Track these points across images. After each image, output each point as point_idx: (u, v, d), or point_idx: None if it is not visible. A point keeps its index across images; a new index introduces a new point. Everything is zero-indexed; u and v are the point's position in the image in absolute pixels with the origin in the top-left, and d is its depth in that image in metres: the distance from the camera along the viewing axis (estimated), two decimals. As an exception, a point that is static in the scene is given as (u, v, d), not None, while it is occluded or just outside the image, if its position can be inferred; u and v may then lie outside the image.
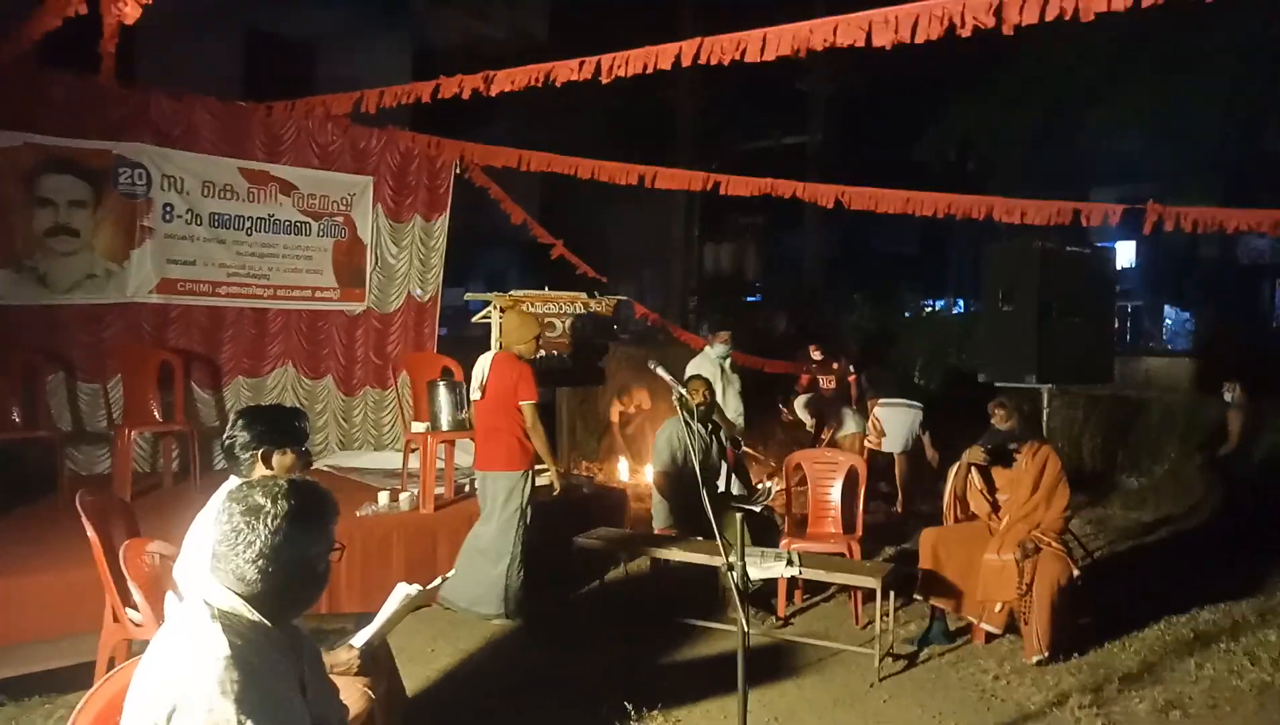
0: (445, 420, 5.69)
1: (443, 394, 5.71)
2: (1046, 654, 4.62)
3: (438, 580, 3.10)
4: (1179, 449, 8.78)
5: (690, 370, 6.55)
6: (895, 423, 7.67)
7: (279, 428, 2.94)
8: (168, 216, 6.73)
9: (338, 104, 6.56)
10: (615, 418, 8.23)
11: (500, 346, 5.45)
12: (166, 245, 6.73)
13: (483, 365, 5.18)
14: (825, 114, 16.30)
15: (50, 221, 6.27)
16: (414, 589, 2.95)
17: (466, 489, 6.09)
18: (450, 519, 5.63)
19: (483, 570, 5.02)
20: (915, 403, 7.75)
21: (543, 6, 14.87)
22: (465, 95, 5.53)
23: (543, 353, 5.62)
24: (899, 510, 7.71)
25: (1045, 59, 12.35)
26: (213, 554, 1.82)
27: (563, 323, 6.66)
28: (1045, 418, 6.56)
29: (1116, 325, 21.55)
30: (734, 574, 3.25)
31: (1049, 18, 3.19)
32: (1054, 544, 4.83)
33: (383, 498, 5.58)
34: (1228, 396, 6.95)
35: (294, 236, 7.32)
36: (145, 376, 6.33)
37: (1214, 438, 7.28)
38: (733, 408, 7.05)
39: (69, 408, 6.29)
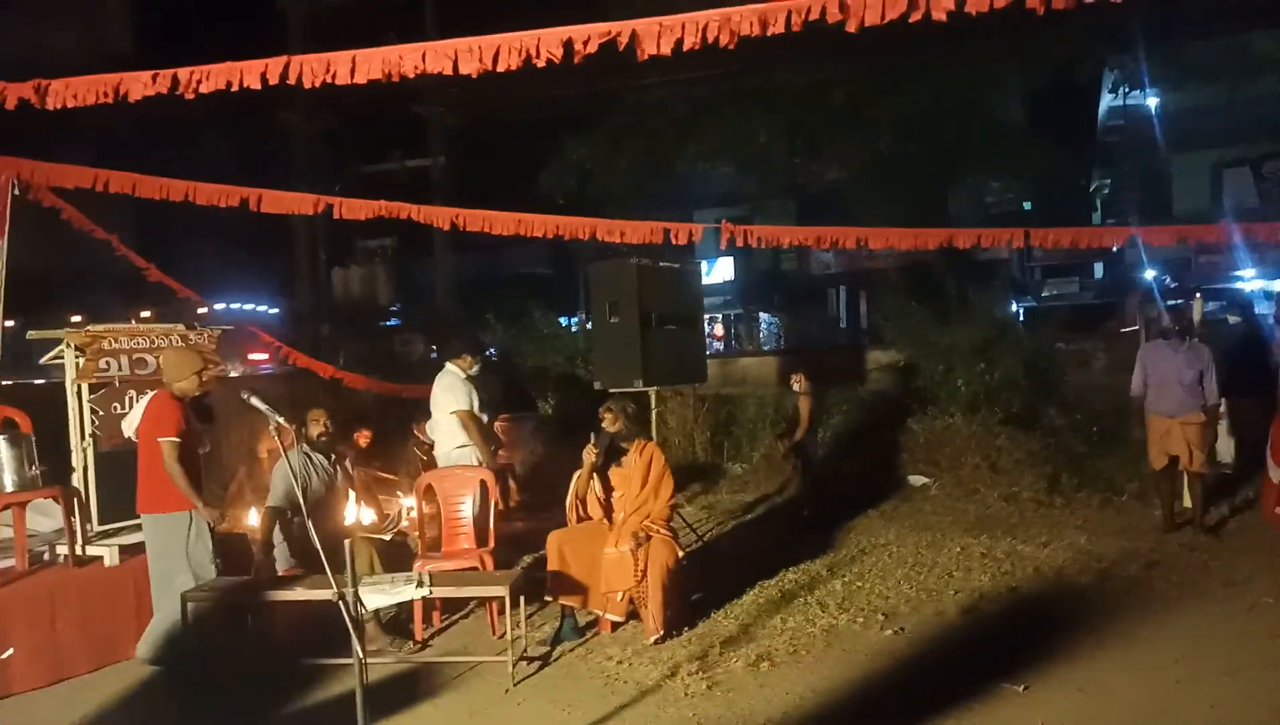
0: (9, 480, 4.92)
1: (3, 450, 4.92)
2: (662, 632, 5.08)
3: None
4: (771, 435, 10.08)
5: (446, 390, 6.29)
6: (517, 434, 7.98)
7: None
8: None
9: None
10: (264, 455, 7.56)
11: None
12: None
13: (139, 406, 5.04)
14: (448, 140, 16.51)
15: None
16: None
17: (46, 557, 5.31)
18: (23, 595, 4.86)
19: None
20: (530, 413, 8.11)
21: (124, 18, 13.41)
22: (10, 105, 4.81)
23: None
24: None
25: (645, 97, 13.75)
26: None
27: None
28: (656, 417, 7.20)
29: (722, 331, 24.35)
30: (345, 604, 3.20)
31: (605, 38, 3.56)
32: (663, 531, 5.33)
33: (-74, 582, 4.68)
34: (795, 386, 8.13)
35: None
36: None
37: (793, 423, 8.47)
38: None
39: None
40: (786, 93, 13.27)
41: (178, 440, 4.73)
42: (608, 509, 5.49)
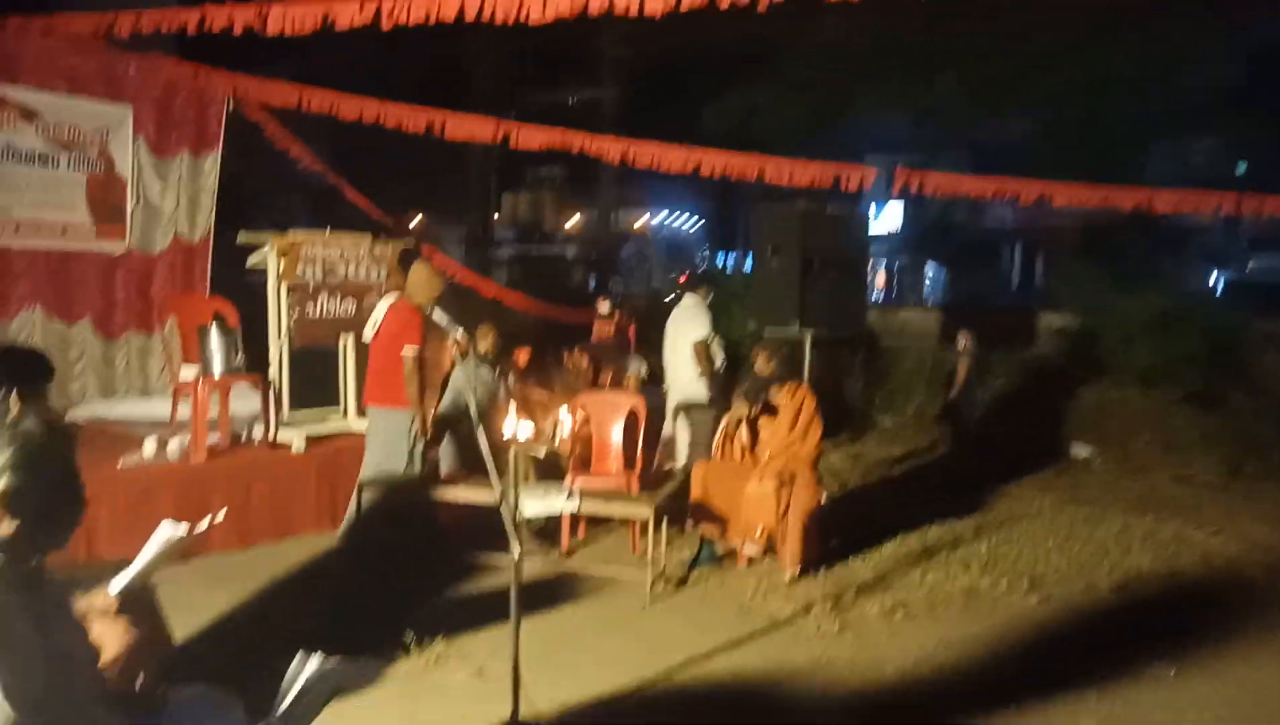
0: (218, 365, 5.48)
1: (215, 338, 5.48)
2: (798, 570, 5.16)
3: (205, 522, 3.05)
4: (926, 392, 9.83)
5: (690, 320, 6.68)
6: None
7: (18, 371, 2.82)
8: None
9: (84, 24, 5.98)
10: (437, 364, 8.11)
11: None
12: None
13: (380, 308, 5.35)
14: (622, 73, 16.59)
15: None
16: (180, 529, 2.90)
17: (244, 437, 5.90)
18: (225, 468, 5.45)
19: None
20: None
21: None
22: (237, 30, 5.23)
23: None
24: None
25: (823, 37, 13.31)
26: None
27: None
28: (809, 362, 7.16)
29: (884, 280, 23.63)
30: (507, 509, 3.43)
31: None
32: (807, 473, 5.37)
33: (148, 447, 5.32)
34: (959, 344, 7.87)
35: (39, 168, 6.67)
36: None
37: (951, 381, 8.23)
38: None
39: None
40: (973, 42, 12.51)
41: (420, 349, 5.11)
42: (754, 448, 5.56)
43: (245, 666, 3.89)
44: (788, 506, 5.22)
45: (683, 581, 5.17)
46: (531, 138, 7.98)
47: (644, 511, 4.97)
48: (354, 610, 4.56)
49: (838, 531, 5.78)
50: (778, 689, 3.98)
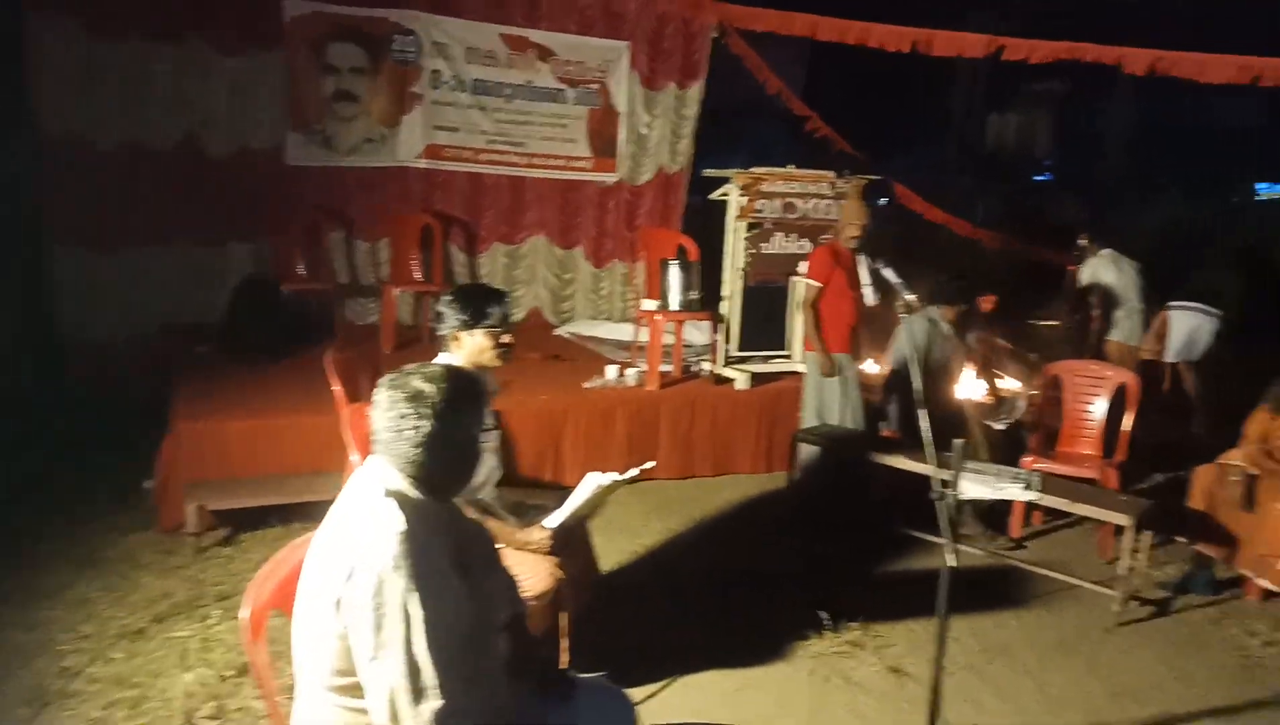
0: (674, 300, 5.65)
1: (673, 273, 5.65)
2: (1339, 627, 3.93)
3: (634, 471, 3.07)
4: None
5: (1095, 274, 6.21)
6: (1181, 328, 6.62)
7: (470, 309, 3.00)
8: (435, 83, 7.04)
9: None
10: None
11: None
12: (433, 111, 7.07)
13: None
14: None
15: (334, 87, 6.78)
16: (606, 479, 2.97)
17: (692, 369, 6.07)
18: (673, 398, 5.64)
19: None
20: (1213, 310, 6.62)
21: None
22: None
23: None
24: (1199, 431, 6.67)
25: None
26: (379, 439, 1.87)
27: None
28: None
29: None
30: (947, 501, 2.95)
31: None
32: (1370, 501, 4.02)
33: (610, 372, 5.70)
34: None
35: (550, 104, 7.42)
36: (409, 238, 6.84)
37: None
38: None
39: (346, 263, 6.94)
40: None
41: (816, 285, 4.94)
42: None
43: (672, 600, 4.03)
44: (1333, 540, 3.97)
45: (1162, 607, 4.23)
46: (1031, 50, 6.92)
47: (1123, 518, 4.11)
48: (774, 563, 4.46)
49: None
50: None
